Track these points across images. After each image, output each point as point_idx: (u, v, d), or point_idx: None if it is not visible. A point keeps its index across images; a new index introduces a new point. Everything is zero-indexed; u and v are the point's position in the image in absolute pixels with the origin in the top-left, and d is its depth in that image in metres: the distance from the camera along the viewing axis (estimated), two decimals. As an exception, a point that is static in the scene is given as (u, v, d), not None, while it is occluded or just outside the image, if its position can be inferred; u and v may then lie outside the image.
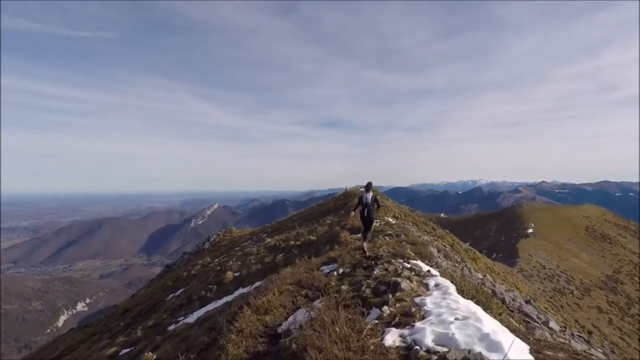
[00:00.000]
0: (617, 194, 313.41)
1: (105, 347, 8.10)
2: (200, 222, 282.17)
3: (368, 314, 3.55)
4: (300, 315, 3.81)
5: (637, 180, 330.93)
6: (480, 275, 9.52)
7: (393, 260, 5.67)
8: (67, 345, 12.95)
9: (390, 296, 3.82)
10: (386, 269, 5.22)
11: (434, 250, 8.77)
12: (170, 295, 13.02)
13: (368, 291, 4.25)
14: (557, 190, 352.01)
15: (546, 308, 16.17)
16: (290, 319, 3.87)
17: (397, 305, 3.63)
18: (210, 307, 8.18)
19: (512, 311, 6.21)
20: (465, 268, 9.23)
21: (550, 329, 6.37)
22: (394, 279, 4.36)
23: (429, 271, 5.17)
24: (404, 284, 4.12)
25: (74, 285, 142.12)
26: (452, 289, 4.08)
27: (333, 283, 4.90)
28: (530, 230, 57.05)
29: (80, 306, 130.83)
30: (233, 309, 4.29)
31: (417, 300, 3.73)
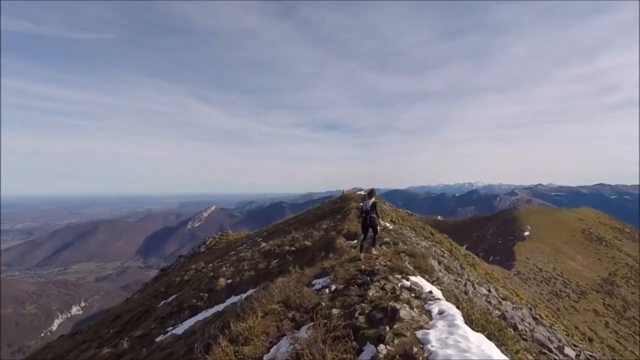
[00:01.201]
0: (612, 197, 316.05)
1: (91, 359, 7.84)
2: (198, 225, 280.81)
3: (361, 351, 3.00)
4: (284, 347, 3.34)
5: (632, 184, 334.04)
6: (485, 290, 8.98)
7: (390, 277, 5.08)
8: (56, 354, 12.64)
9: (388, 329, 3.20)
10: (383, 288, 4.63)
11: (435, 263, 8.14)
12: (162, 302, 12.75)
13: (362, 319, 3.62)
14: (553, 193, 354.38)
15: (547, 315, 16.06)
16: (273, 350, 3.38)
17: (396, 341, 3.01)
18: (201, 316, 7.95)
19: (526, 340, 5.72)
20: (468, 283, 8.54)
21: (566, 355, 6.01)
22: (391, 304, 3.73)
23: (430, 292, 4.54)
24: (403, 312, 3.51)
25: (69, 289, 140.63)
26: (458, 318, 3.47)
27: (324, 303, 4.32)
28: (526, 233, 57.14)
29: (75, 310, 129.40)
30: (213, 332, 3.89)
31: (419, 334, 3.12)
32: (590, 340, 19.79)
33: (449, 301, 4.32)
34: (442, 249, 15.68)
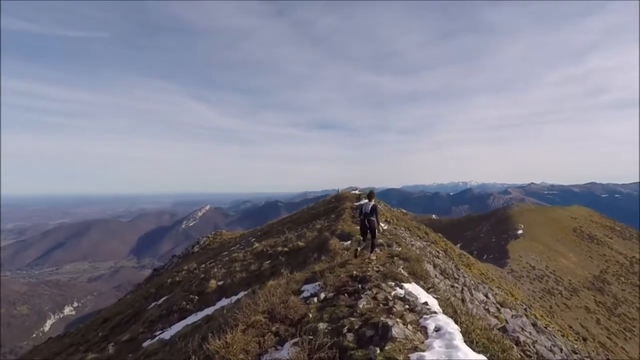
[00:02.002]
0: (603, 196, 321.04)
1: (77, 364, 7.62)
2: (192, 224, 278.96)
3: None
4: None
5: (623, 182, 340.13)
6: (482, 296, 8.50)
7: (383, 285, 4.73)
8: (43, 357, 12.36)
9: (378, 350, 2.88)
10: (375, 297, 4.26)
11: (430, 268, 7.75)
12: (153, 304, 12.52)
13: (350, 337, 3.24)
14: (545, 192, 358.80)
15: (541, 315, 16.14)
16: None
17: None
18: (190, 320, 7.77)
19: (530, 356, 5.40)
20: (465, 288, 8.16)
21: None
22: (383, 320, 3.34)
23: (426, 303, 4.18)
24: (396, 330, 3.14)
25: (61, 289, 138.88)
26: (457, 336, 3.15)
27: (311, 315, 3.96)
28: (520, 232, 57.66)
29: (67, 310, 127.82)
30: (191, 346, 3.60)
31: (413, 358, 2.82)
32: (585, 339, 19.98)
33: (446, 313, 3.99)
34: (437, 249, 15.63)
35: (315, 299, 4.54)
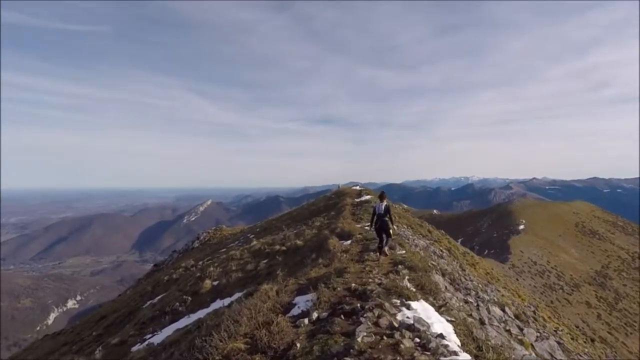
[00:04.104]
0: (605, 191, 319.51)
1: (66, 367, 7.39)
2: (194, 219, 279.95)
3: None
4: None
5: (625, 177, 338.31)
6: (498, 311, 7.48)
7: (386, 304, 3.86)
8: (37, 356, 12.21)
9: None
10: (376, 323, 3.42)
11: (439, 279, 6.85)
12: (148, 302, 12.29)
13: None
14: (547, 187, 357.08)
15: (549, 317, 15.85)
16: None
17: None
18: (182, 323, 7.51)
19: None
20: (481, 304, 7.21)
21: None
22: None
23: (441, 336, 3.23)
24: None
25: (65, 282, 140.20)
26: None
27: (299, 345, 3.19)
28: (521, 227, 57.40)
29: (70, 303, 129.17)
30: None
31: None
32: (592, 340, 19.74)
33: (468, 351, 3.05)
34: (441, 248, 15.31)
35: (307, 320, 3.78)
